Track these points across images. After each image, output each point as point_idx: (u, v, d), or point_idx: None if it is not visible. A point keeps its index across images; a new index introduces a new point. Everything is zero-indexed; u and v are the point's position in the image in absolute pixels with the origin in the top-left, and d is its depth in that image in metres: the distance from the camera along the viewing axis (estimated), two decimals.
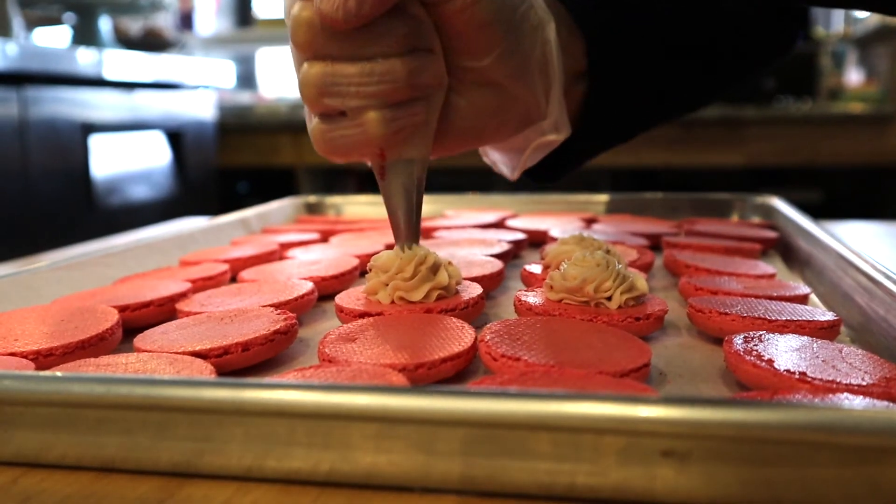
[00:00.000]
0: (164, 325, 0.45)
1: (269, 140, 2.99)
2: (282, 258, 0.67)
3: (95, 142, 2.05)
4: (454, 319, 0.43)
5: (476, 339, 0.40)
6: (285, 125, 2.94)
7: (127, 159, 2.22)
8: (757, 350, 0.38)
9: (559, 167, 0.56)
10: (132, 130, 2.25)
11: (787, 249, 0.73)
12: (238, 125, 2.99)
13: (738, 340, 0.39)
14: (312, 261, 0.62)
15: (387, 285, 0.47)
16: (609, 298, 0.45)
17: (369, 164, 0.43)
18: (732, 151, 2.79)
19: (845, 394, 0.33)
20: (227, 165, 2.88)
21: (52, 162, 1.89)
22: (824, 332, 0.43)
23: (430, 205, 0.81)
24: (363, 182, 3.13)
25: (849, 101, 2.86)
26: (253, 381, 0.30)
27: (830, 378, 0.35)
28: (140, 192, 2.26)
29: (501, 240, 0.68)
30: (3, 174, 1.75)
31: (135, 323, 0.49)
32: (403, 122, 0.39)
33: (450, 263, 0.49)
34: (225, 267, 0.60)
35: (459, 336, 0.40)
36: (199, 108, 2.59)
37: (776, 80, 2.81)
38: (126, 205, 2.17)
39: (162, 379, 0.30)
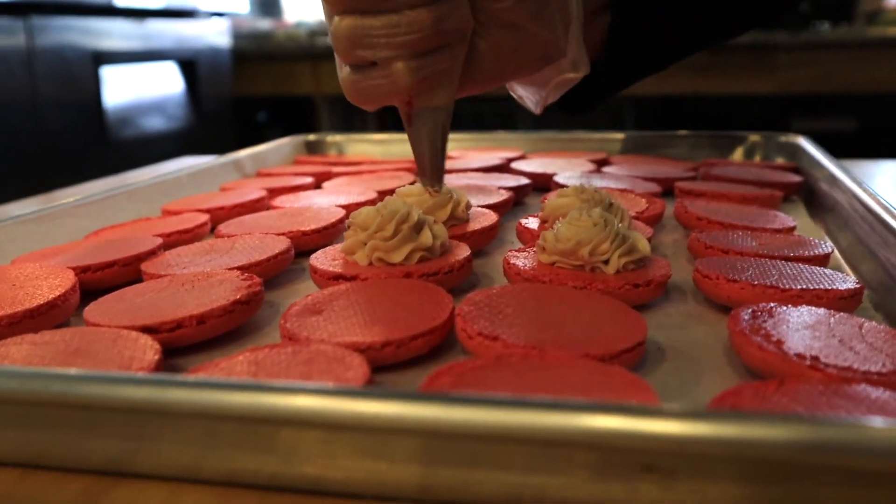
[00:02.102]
0: (121, 291, 0.42)
1: (287, 68, 2.91)
2: (269, 207, 0.63)
3: (107, 72, 2.00)
4: (433, 287, 0.39)
5: (453, 311, 0.36)
6: (304, 52, 2.86)
7: (139, 90, 2.17)
8: (765, 328, 0.34)
9: (589, 99, 0.56)
10: (144, 61, 2.20)
11: (811, 195, 0.68)
12: (255, 53, 2.92)
13: (745, 317, 0.35)
14: (298, 211, 0.58)
15: (365, 244, 0.43)
16: (606, 262, 0.41)
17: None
18: (762, 79, 2.68)
19: (862, 385, 0.29)
20: (244, 95, 2.82)
21: (62, 94, 1.85)
22: (844, 302, 0.39)
23: None
24: (383, 109, 3.06)
25: (889, 25, 2.73)
26: (175, 379, 0.26)
27: (846, 364, 0.31)
28: (154, 124, 2.23)
29: (502, 187, 0.64)
30: (12, 108, 1.72)
31: (97, 285, 0.45)
32: (430, 71, 0.39)
33: (435, 222, 0.45)
34: (204, 219, 0.56)
35: (436, 308, 0.37)
36: (214, 35, 2.52)
37: (811, 3, 2.68)
38: (140, 137, 2.14)
39: (77, 375, 0.27)
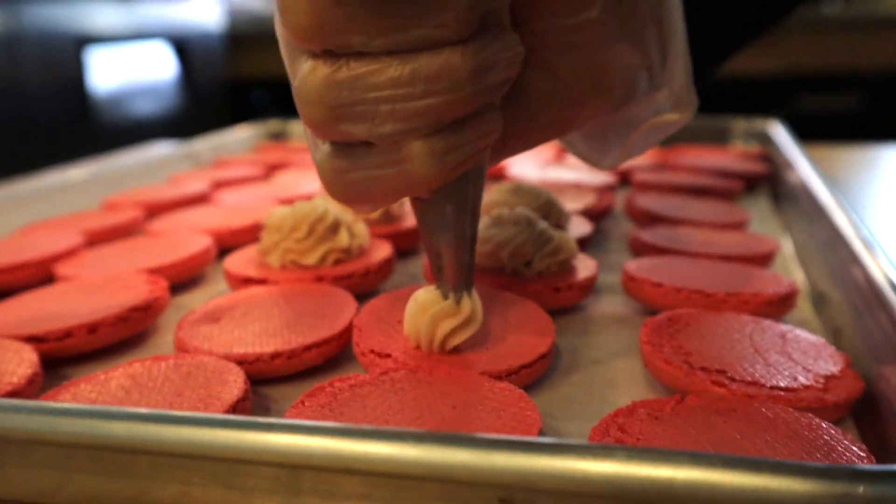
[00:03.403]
0: (24, 295, 0.40)
1: None
2: (210, 201, 0.61)
3: (92, 55, 1.98)
4: (340, 293, 0.37)
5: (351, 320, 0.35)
6: None
7: (128, 73, 2.15)
8: (677, 339, 0.32)
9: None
10: (133, 41, 2.17)
11: (778, 185, 0.66)
12: (252, 32, 2.88)
13: (659, 326, 0.33)
14: (234, 207, 0.56)
15: (279, 246, 0.41)
16: (528, 264, 0.39)
17: None
18: (766, 56, 2.64)
19: (763, 403, 0.27)
20: (240, 76, 2.79)
21: (44, 77, 1.83)
22: (774, 307, 0.37)
23: None
24: None
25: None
26: (7, 404, 0.24)
27: (753, 379, 0.29)
28: (144, 108, 2.20)
29: None
30: None
31: (8, 287, 0.44)
32: (465, 152, 0.26)
33: (356, 220, 0.43)
34: (134, 215, 0.54)
35: (337, 316, 0.35)
36: (207, 14, 2.49)
37: None
38: (129, 122, 2.11)
39: None
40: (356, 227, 0.42)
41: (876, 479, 0.19)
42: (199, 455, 0.23)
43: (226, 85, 2.62)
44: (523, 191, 0.47)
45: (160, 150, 0.76)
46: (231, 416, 0.23)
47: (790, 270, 0.47)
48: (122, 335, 0.36)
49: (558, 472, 0.21)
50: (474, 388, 0.28)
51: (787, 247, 0.51)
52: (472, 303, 0.31)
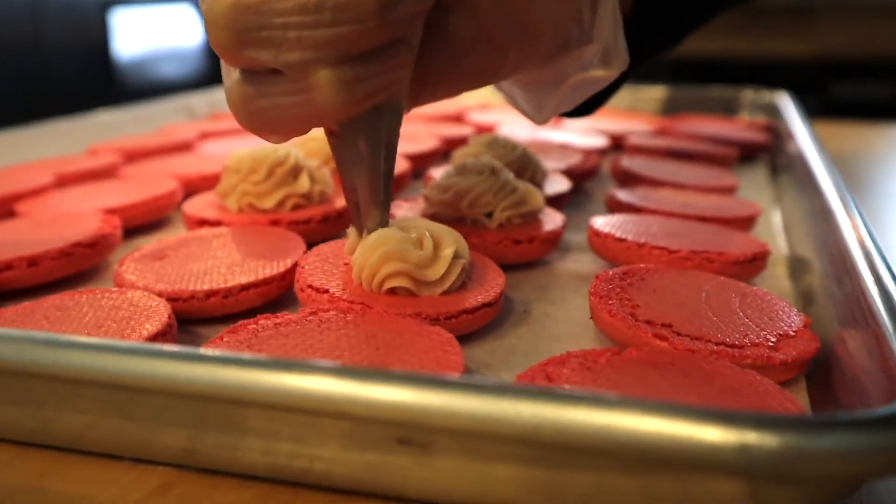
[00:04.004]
0: None
1: None
2: (192, 150, 0.60)
3: (117, 17, 1.97)
4: (292, 236, 0.36)
5: (296, 263, 0.33)
6: None
7: (153, 37, 2.14)
8: (627, 293, 0.31)
9: (594, 98, 0.39)
10: (159, 3, 2.16)
11: (778, 156, 0.64)
12: None
13: (607, 279, 0.32)
14: (213, 156, 0.55)
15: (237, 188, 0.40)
16: (490, 215, 0.38)
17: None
18: (799, 40, 2.58)
19: (705, 357, 0.26)
20: None
21: (68, 40, 1.82)
22: (739, 267, 0.35)
23: None
24: None
25: None
26: None
27: (701, 334, 0.28)
28: (169, 73, 2.19)
29: (440, 135, 0.60)
30: (16, 55, 1.70)
31: None
32: (374, 84, 0.26)
33: (319, 166, 0.42)
34: (111, 160, 0.54)
35: (282, 258, 0.34)
36: None
37: None
38: (153, 86, 2.10)
39: None
40: (319, 173, 0.41)
41: (782, 428, 0.18)
42: (84, 380, 0.22)
43: None
44: (499, 143, 0.46)
45: (158, 103, 0.76)
46: (117, 342, 0.22)
47: (773, 237, 0.45)
48: (67, 270, 0.35)
49: (457, 412, 0.20)
50: (402, 330, 0.27)
51: (776, 218, 0.50)
52: (440, 261, 0.30)
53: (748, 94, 0.81)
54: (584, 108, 0.43)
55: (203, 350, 0.21)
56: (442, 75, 0.29)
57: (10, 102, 1.61)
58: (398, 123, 0.29)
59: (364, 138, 0.28)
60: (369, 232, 0.31)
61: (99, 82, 1.91)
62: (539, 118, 0.36)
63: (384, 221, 0.31)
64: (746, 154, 0.63)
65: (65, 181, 0.50)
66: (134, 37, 2.03)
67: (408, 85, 0.28)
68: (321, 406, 0.20)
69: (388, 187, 0.30)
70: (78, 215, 0.39)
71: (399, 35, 0.26)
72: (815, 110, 0.80)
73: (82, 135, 0.63)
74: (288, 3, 0.24)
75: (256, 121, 0.27)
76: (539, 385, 0.24)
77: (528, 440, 0.19)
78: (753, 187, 0.55)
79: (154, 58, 2.11)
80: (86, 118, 0.66)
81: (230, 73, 0.27)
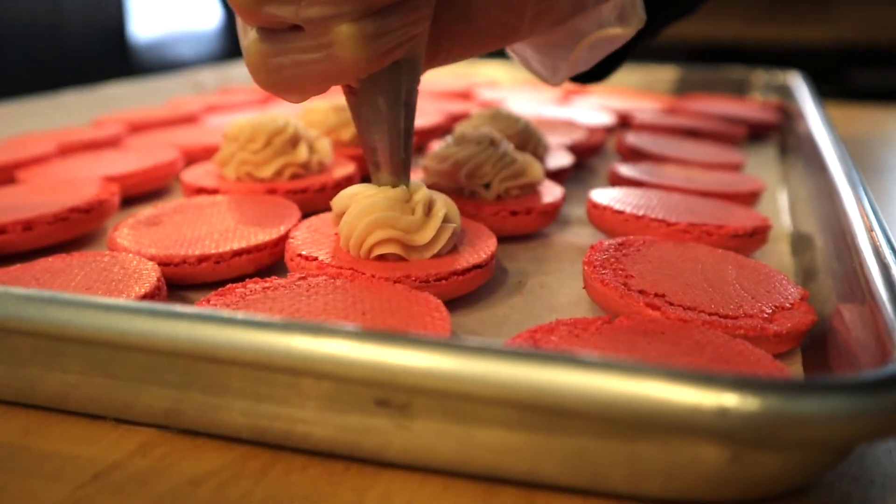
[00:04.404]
0: None
1: None
2: (196, 122, 0.60)
3: None
4: (287, 204, 0.36)
5: (289, 231, 0.33)
6: None
7: (171, 19, 2.13)
8: (622, 263, 0.30)
9: (608, 61, 0.39)
10: None
11: (787, 136, 0.63)
12: None
13: (602, 249, 0.31)
14: (216, 128, 0.55)
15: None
16: (487, 186, 0.37)
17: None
18: (817, 26, 2.55)
19: (696, 327, 0.26)
20: None
21: (86, 22, 1.82)
22: (739, 240, 0.35)
23: None
24: None
25: None
26: None
27: (694, 304, 0.27)
28: (187, 56, 2.19)
29: (445, 111, 0.60)
30: (34, 34, 1.69)
31: None
32: (395, 38, 0.26)
33: (319, 136, 0.42)
34: (114, 131, 0.54)
35: (276, 225, 0.34)
36: None
37: None
38: (169, 68, 2.10)
39: None
40: (318, 143, 0.41)
41: (762, 390, 0.17)
42: (65, 336, 0.22)
43: None
44: (501, 116, 0.45)
45: (167, 78, 0.75)
46: (98, 298, 0.22)
47: (778, 215, 0.44)
48: (62, 236, 0.35)
49: (434, 372, 0.19)
50: (391, 295, 0.27)
51: (782, 197, 0.49)
52: (430, 225, 0.30)
53: (761, 75, 0.80)
54: (598, 73, 0.42)
55: (182, 307, 0.21)
56: (458, 35, 0.29)
57: (28, 82, 1.60)
58: (417, 81, 0.29)
59: (383, 96, 0.28)
60: (393, 185, 0.31)
61: (115, 63, 1.90)
62: (554, 80, 0.36)
63: (406, 180, 0.31)
64: (756, 134, 0.62)
65: (68, 150, 0.50)
66: (150, 18, 2.03)
67: (426, 42, 0.28)
68: (299, 365, 0.20)
69: (409, 146, 0.30)
70: (76, 182, 0.39)
71: None
72: (833, 97, 0.79)
73: (90, 107, 0.63)
74: None
75: (275, 79, 0.27)
76: (518, 346, 0.23)
77: (506, 401, 0.19)
78: (761, 165, 0.55)
79: (170, 40, 2.11)
80: (94, 91, 0.66)
81: (247, 32, 0.26)
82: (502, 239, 0.35)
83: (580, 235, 0.39)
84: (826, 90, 0.79)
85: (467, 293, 0.31)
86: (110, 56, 1.87)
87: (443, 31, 0.28)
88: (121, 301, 0.21)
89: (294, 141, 0.40)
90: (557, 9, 0.30)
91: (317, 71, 0.26)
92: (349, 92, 0.29)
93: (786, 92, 0.75)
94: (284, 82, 0.27)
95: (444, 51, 0.30)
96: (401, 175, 0.30)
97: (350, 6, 0.24)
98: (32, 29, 1.65)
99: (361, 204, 0.30)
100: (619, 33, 0.32)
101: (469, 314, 0.30)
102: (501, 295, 0.32)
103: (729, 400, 0.17)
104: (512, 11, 0.29)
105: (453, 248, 0.31)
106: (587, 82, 0.44)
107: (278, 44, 0.26)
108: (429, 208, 0.30)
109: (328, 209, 0.33)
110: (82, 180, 0.39)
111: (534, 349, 0.19)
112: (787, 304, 0.28)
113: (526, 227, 0.37)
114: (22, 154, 0.46)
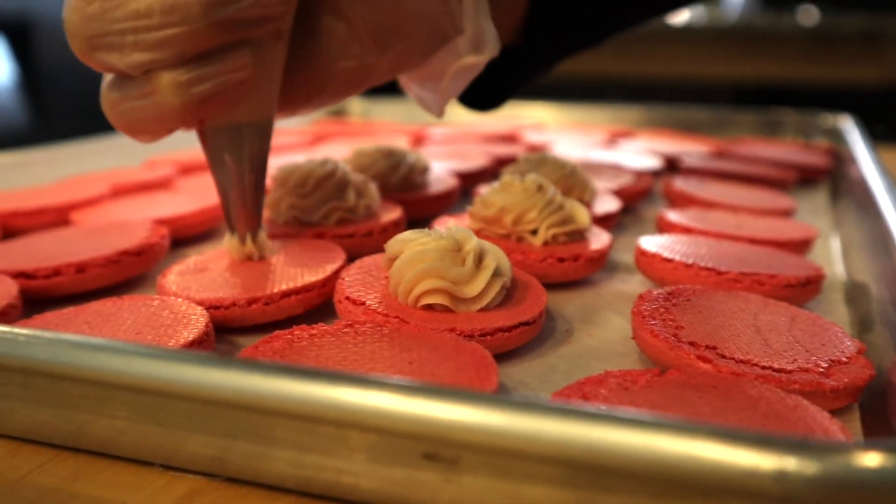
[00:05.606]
0: (32, 235, 0.40)
1: None
2: None
3: None
4: (332, 247, 0.36)
5: (337, 271, 0.33)
6: None
7: None
8: (671, 313, 0.30)
9: (501, 88, 0.43)
10: None
11: (839, 181, 0.62)
12: None
13: (651, 299, 0.31)
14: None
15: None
16: (534, 232, 0.37)
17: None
18: (868, 67, 2.52)
19: (750, 382, 0.25)
20: None
21: None
22: (792, 290, 0.34)
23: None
24: None
25: None
26: None
27: (747, 357, 0.27)
28: None
29: (491, 154, 0.60)
30: (85, 79, 1.73)
31: (29, 231, 0.44)
32: (213, 85, 0.27)
33: (366, 181, 0.42)
34: (165, 172, 0.54)
35: (323, 267, 0.34)
36: None
37: None
38: None
39: None
40: (366, 187, 0.41)
41: (825, 454, 0.17)
42: (114, 383, 0.22)
43: None
44: (548, 162, 0.45)
45: None
46: (147, 346, 0.22)
47: (831, 263, 0.43)
48: (114, 278, 0.36)
49: (485, 428, 0.19)
50: (439, 345, 0.27)
51: (835, 244, 0.48)
52: (480, 278, 0.30)
53: (810, 119, 0.79)
54: (488, 101, 0.44)
55: (229, 357, 0.21)
56: (319, 80, 0.31)
57: (81, 125, 1.64)
58: (265, 140, 0.31)
59: (228, 152, 0.31)
60: (240, 237, 0.33)
61: None
62: (434, 110, 0.38)
63: (252, 228, 0.33)
64: (806, 178, 0.61)
65: (120, 192, 0.50)
66: None
67: (273, 100, 0.30)
68: (346, 418, 0.20)
69: (257, 198, 0.33)
70: (128, 224, 0.40)
71: (237, 37, 0.27)
72: (884, 137, 0.78)
73: (142, 149, 0.64)
74: (124, 10, 0.26)
75: (124, 122, 0.29)
76: (569, 402, 0.23)
77: (556, 459, 0.18)
78: (812, 211, 0.54)
79: None
80: None
81: (105, 79, 0.29)
82: (548, 285, 0.35)
83: (628, 283, 0.39)
84: (877, 130, 0.78)
85: None
86: None
87: (304, 78, 0.31)
88: (169, 350, 0.22)
89: (342, 185, 0.40)
90: (417, 46, 0.32)
91: (150, 116, 0.28)
92: (199, 137, 0.31)
93: (836, 135, 0.74)
94: (130, 125, 0.29)
95: (308, 96, 0.32)
96: (246, 225, 0.33)
97: (164, 53, 0.26)
98: (86, 73, 1.68)
99: (412, 251, 0.30)
100: (474, 61, 0.34)
101: (516, 363, 0.30)
102: (549, 344, 0.32)
103: (789, 463, 0.17)
104: (370, 54, 0.31)
105: (503, 301, 0.31)
106: (482, 110, 0.46)
107: (120, 91, 0.28)
108: (479, 259, 0.30)
109: (374, 253, 0.34)
110: (134, 223, 0.40)
111: (585, 406, 0.19)
112: (844, 358, 0.28)
113: (573, 273, 0.36)
114: (76, 196, 0.47)
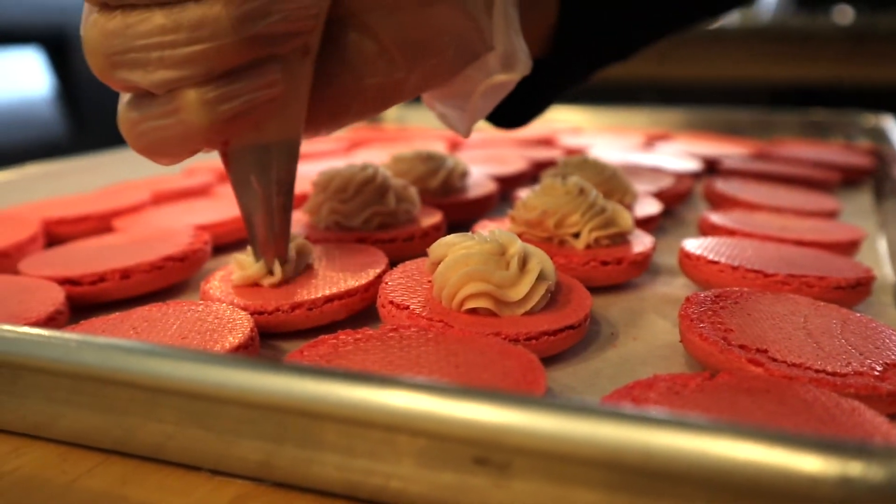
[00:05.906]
0: (76, 242, 0.41)
1: None
2: None
3: None
4: (374, 251, 0.36)
5: (379, 276, 0.33)
6: None
7: None
8: (720, 315, 0.29)
9: (525, 107, 0.42)
10: None
11: (884, 181, 0.61)
12: None
13: (703, 301, 0.30)
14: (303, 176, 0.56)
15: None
16: (576, 235, 0.37)
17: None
18: None
19: (803, 385, 0.24)
20: None
21: None
22: (842, 293, 0.33)
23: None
24: None
25: None
26: None
27: (799, 361, 0.26)
28: None
29: (529, 157, 0.60)
30: None
31: (72, 238, 0.44)
32: (241, 103, 0.26)
33: (406, 185, 0.42)
34: (205, 179, 0.55)
35: (366, 271, 0.34)
36: None
37: None
38: None
39: None
40: (406, 192, 0.41)
41: (891, 459, 0.16)
42: (162, 388, 0.22)
43: None
44: (588, 165, 0.45)
45: None
46: (196, 351, 0.22)
47: (879, 264, 0.42)
48: (158, 284, 0.36)
49: (537, 432, 0.19)
50: (484, 349, 0.27)
51: (881, 245, 0.47)
52: (524, 282, 0.30)
53: (851, 118, 0.78)
54: (518, 119, 0.43)
55: (278, 361, 0.21)
56: (346, 96, 0.30)
57: (114, 130, 1.65)
58: (293, 160, 0.30)
59: (254, 174, 0.29)
60: (268, 264, 0.32)
61: None
62: (462, 129, 0.37)
63: (280, 254, 0.32)
64: (849, 179, 0.60)
65: (161, 199, 0.51)
66: None
67: (301, 119, 0.29)
68: (396, 422, 0.20)
69: (285, 222, 0.31)
70: (170, 231, 0.40)
71: (266, 53, 0.26)
72: None
73: None
74: (149, 25, 0.25)
75: (143, 144, 0.27)
76: (622, 406, 0.23)
77: (609, 464, 0.18)
78: (856, 213, 0.53)
79: None
80: None
81: (122, 98, 0.28)
82: (592, 289, 0.34)
83: (672, 286, 0.38)
84: None
85: None
86: None
87: (332, 96, 0.29)
88: (217, 355, 0.22)
89: (383, 190, 0.40)
90: (446, 64, 0.31)
91: (173, 136, 0.27)
92: (223, 157, 0.29)
93: (878, 135, 0.73)
94: (152, 147, 0.27)
95: (336, 114, 0.30)
96: (273, 249, 0.32)
97: (191, 70, 0.25)
98: None
99: (456, 255, 0.29)
100: (506, 79, 0.33)
101: (562, 367, 0.30)
102: (594, 347, 0.31)
103: (853, 469, 0.16)
104: (399, 71, 0.30)
105: (547, 304, 0.30)
106: (507, 128, 0.45)
107: (140, 110, 0.27)
108: (523, 263, 0.30)
109: (415, 258, 0.33)
110: (176, 229, 0.40)
111: (638, 410, 0.18)
112: None
113: (616, 277, 0.36)
114: (118, 203, 0.47)
